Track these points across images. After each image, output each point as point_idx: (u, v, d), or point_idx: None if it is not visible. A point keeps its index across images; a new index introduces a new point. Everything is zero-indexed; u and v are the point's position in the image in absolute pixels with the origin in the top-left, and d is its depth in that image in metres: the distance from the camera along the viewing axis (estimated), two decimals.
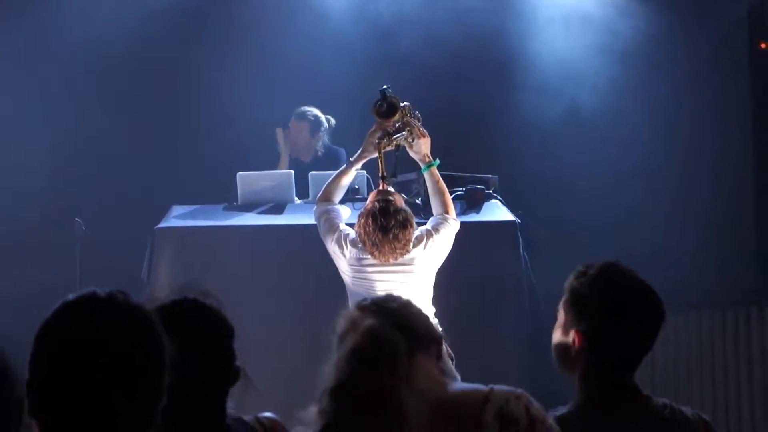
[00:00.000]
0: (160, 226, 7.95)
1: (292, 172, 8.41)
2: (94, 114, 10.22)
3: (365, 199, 7.06)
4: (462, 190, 7.86)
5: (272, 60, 10.27)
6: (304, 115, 9.46)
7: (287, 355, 7.36)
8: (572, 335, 3.31)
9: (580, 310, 3.29)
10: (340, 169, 6.80)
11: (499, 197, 8.14)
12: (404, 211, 6.30)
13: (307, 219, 7.37)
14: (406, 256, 6.35)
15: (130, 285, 7.52)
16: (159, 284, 7.53)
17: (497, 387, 3.09)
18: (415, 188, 7.64)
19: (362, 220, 6.29)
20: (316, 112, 9.49)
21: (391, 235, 6.23)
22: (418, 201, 7.33)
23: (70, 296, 2.41)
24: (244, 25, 10.35)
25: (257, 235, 7.90)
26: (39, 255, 9.86)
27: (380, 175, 6.44)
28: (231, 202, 8.32)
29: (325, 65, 10.31)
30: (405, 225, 6.26)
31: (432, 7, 10.28)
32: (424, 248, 6.39)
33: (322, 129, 9.46)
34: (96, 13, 10.17)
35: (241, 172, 8.30)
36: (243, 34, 10.29)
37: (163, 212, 8.24)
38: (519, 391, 3.09)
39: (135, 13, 10.16)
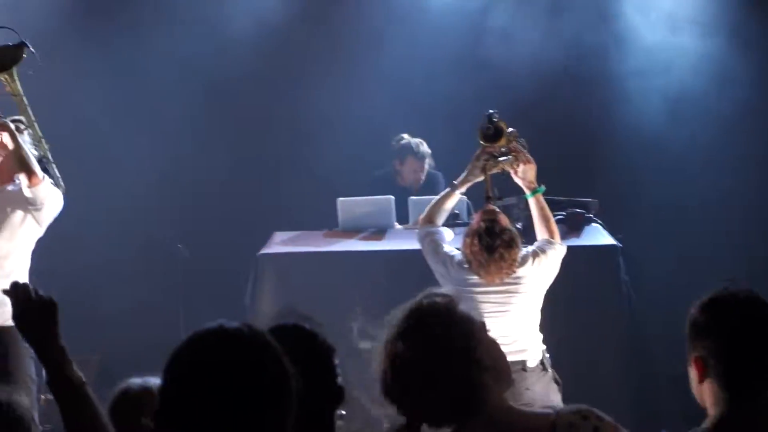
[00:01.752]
0: (262, 252, 8.01)
1: (392, 197, 8.41)
2: (199, 140, 10.36)
3: (466, 224, 7.05)
4: (562, 214, 7.83)
5: (374, 84, 10.30)
6: (424, 154, 9.36)
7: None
8: (692, 366, 3.26)
9: (694, 337, 3.25)
10: (443, 193, 6.79)
11: (599, 221, 8.10)
12: (510, 230, 6.26)
13: (408, 244, 7.38)
14: (513, 277, 6.31)
15: (234, 311, 7.66)
16: (262, 310, 7.59)
17: (564, 409, 3.07)
18: (515, 213, 7.62)
19: (468, 240, 6.27)
20: (424, 145, 9.39)
21: (496, 255, 6.19)
22: (519, 226, 7.31)
23: (200, 328, 2.46)
24: (348, 57, 10.39)
25: (359, 261, 7.93)
26: (143, 279, 10.01)
27: (486, 195, 6.43)
28: (332, 227, 8.36)
29: (423, 86, 10.31)
30: (511, 245, 6.22)
31: (531, 28, 10.25)
32: (531, 268, 6.34)
33: (429, 159, 9.42)
34: (203, 39, 10.31)
35: (341, 198, 8.34)
36: (345, 64, 10.35)
37: (266, 238, 8.31)
38: (585, 409, 3.04)
39: (241, 40, 10.27)
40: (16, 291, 3.07)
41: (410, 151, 9.34)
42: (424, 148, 9.36)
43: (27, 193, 6.38)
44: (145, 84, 10.39)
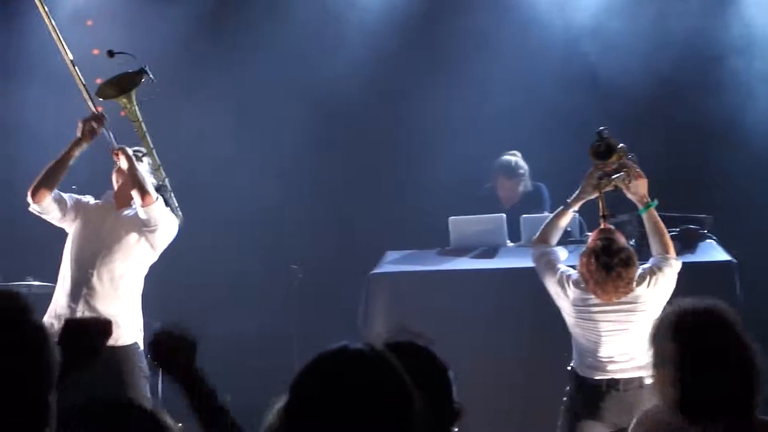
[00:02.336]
0: (374, 271, 8.04)
1: (504, 215, 8.39)
2: (311, 161, 10.44)
3: (578, 242, 7.00)
4: (676, 231, 7.74)
5: (481, 99, 10.26)
6: (515, 173, 9.29)
7: (504, 398, 7.35)
8: None
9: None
10: (557, 211, 6.76)
11: (714, 237, 7.99)
12: (627, 249, 6.22)
13: (521, 262, 7.35)
14: (630, 295, 6.26)
15: (346, 330, 7.69)
16: (374, 329, 7.61)
17: None
18: (629, 230, 7.55)
19: (584, 259, 6.24)
20: (521, 162, 9.32)
21: (614, 274, 6.15)
22: (632, 243, 7.24)
23: (324, 349, 2.50)
24: (454, 73, 10.38)
25: (471, 280, 7.90)
26: (258, 300, 10.09)
27: (601, 214, 6.40)
28: (443, 246, 8.36)
29: (526, 99, 10.26)
30: (628, 263, 6.18)
31: (638, 36, 10.15)
32: (648, 286, 6.29)
33: (526, 175, 9.34)
34: (315, 62, 10.39)
35: (452, 217, 8.33)
36: (452, 80, 10.34)
37: (378, 258, 8.33)
38: None
39: (350, 63, 10.34)
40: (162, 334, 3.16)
41: (500, 170, 9.29)
42: (516, 166, 9.27)
43: (141, 214, 6.50)
44: (259, 108, 10.50)
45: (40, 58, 9.53)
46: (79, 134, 6.54)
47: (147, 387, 6.64)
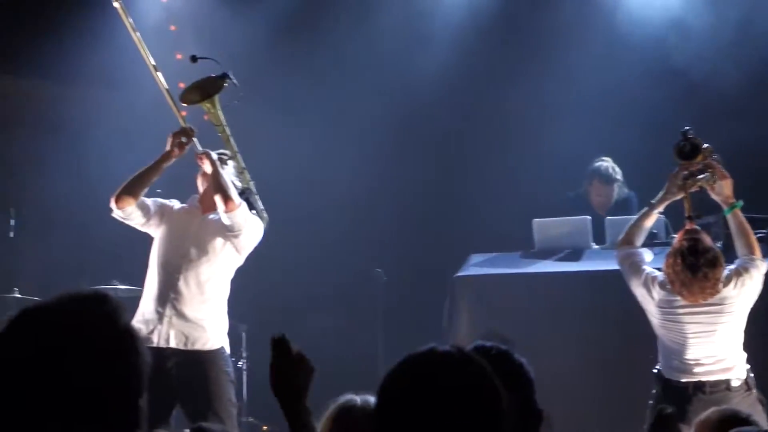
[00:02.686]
0: (459, 274, 8.03)
1: (589, 218, 8.33)
2: (395, 164, 10.45)
3: (664, 244, 6.93)
4: (763, 232, 7.63)
5: (570, 103, 10.20)
6: (612, 179, 9.19)
7: (588, 401, 7.31)
8: None
9: None
10: (642, 212, 6.70)
11: None
12: (713, 249, 6.16)
13: (606, 265, 7.29)
14: (717, 296, 6.19)
15: (431, 332, 7.70)
16: (459, 332, 7.61)
17: None
18: (714, 231, 7.47)
19: (670, 260, 6.18)
20: (617, 168, 9.23)
21: (700, 275, 6.09)
22: (719, 245, 7.15)
23: (413, 352, 2.50)
24: (541, 75, 10.30)
25: (556, 282, 7.87)
26: (342, 303, 10.13)
27: (687, 215, 6.34)
28: (528, 249, 8.33)
29: (609, 96, 10.15)
30: (714, 264, 6.11)
31: (723, 30, 10.00)
32: (734, 287, 6.22)
33: (621, 181, 9.24)
34: (399, 64, 10.40)
35: (537, 219, 8.30)
36: (540, 82, 10.27)
37: (462, 260, 8.32)
38: None
39: (435, 65, 10.32)
40: (276, 345, 3.15)
41: (597, 174, 9.18)
42: (613, 172, 9.18)
43: (225, 219, 6.53)
44: (343, 111, 10.53)
45: (124, 65, 9.64)
46: (168, 148, 6.59)
47: (233, 391, 6.68)
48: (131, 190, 6.58)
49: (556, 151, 9.87)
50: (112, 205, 6.58)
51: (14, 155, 10.68)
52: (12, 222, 9.06)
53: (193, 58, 6.66)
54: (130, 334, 2.27)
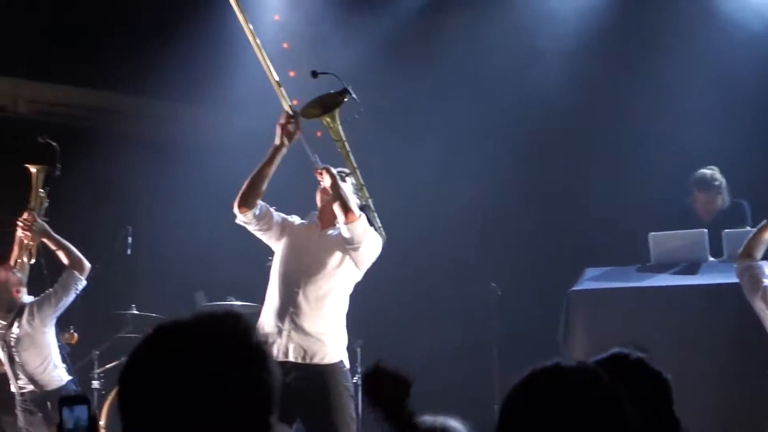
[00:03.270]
0: (574, 288, 7.97)
1: (705, 231, 8.21)
2: (509, 178, 10.39)
3: None
4: None
5: (683, 116, 10.05)
6: (710, 185, 9.04)
7: (705, 415, 7.19)
8: None
9: None
10: (761, 225, 6.59)
11: None
12: None
13: (724, 278, 7.19)
14: None
15: (547, 347, 7.62)
16: (575, 346, 7.55)
17: None
18: None
19: None
20: (717, 175, 9.07)
21: None
22: None
23: (538, 365, 2.48)
24: (654, 90, 10.16)
25: (673, 296, 7.77)
26: (457, 318, 10.10)
27: None
28: (643, 262, 8.23)
29: (727, 105, 9.95)
30: None
31: None
32: None
33: (723, 189, 9.07)
34: (517, 77, 10.35)
35: (653, 233, 8.20)
36: (653, 96, 10.15)
37: (577, 274, 8.25)
38: None
39: (545, 80, 10.26)
40: (375, 371, 3.15)
41: (696, 183, 9.04)
42: (713, 178, 9.02)
43: (344, 231, 6.54)
44: (456, 128, 10.53)
45: (239, 86, 9.75)
46: (277, 141, 6.58)
47: (352, 405, 6.69)
48: (250, 191, 6.61)
49: (671, 164, 9.73)
50: (235, 210, 6.63)
51: (132, 173, 10.86)
52: (129, 240, 9.19)
53: (314, 74, 6.66)
54: (262, 352, 2.28)
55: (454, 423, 3.56)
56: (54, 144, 8.21)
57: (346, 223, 6.50)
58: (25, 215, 7.90)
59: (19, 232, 7.89)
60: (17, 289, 7.75)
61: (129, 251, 9.20)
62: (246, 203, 6.61)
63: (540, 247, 10.35)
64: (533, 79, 10.30)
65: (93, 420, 2.68)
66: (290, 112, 6.56)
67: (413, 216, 10.03)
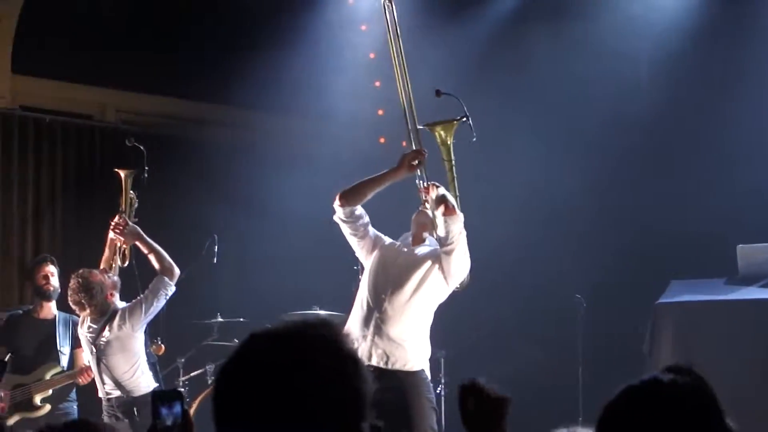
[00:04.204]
0: (661, 301, 7.90)
1: None
2: (596, 190, 10.31)
3: None
4: None
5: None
6: None
7: None
8: None
9: None
10: None
11: None
12: None
13: None
14: None
15: (632, 359, 7.54)
16: (661, 358, 7.48)
17: None
18: None
19: None
20: None
21: None
22: None
23: (634, 381, 2.45)
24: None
25: (760, 309, 7.66)
26: (540, 330, 10.05)
27: None
28: (731, 275, 8.13)
29: None
30: None
31: None
32: None
33: None
34: (613, 75, 10.24)
35: (741, 245, 8.10)
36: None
37: (664, 287, 8.18)
38: None
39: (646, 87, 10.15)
40: (472, 389, 3.12)
41: None
42: None
43: (442, 228, 6.55)
44: (543, 135, 10.47)
45: (332, 89, 9.79)
46: (398, 166, 6.67)
47: (434, 417, 6.68)
48: (354, 192, 6.71)
49: (761, 175, 9.60)
50: (336, 203, 6.70)
51: (217, 182, 10.95)
52: (215, 248, 9.27)
53: (438, 93, 6.76)
54: (354, 360, 2.28)
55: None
56: (141, 147, 8.36)
57: (445, 214, 6.52)
58: (117, 218, 8.01)
59: (112, 235, 7.99)
60: (111, 293, 7.83)
61: (215, 259, 9.28)
62: (347, 200, 6.69)
63: (626, 259, 10.25)
64: (621, 88, 10.22)
65: (186, 415, 2.72)
66: (420, 149, 6.67)
67: (498, 226, 9.99)
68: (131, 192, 8.21)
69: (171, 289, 7.84)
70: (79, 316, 8.07)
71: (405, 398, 6.50)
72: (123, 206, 8.16)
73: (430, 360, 6.84)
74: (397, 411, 6.48)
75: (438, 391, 8.73)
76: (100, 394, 7.94)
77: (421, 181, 6.75)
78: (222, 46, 10.72)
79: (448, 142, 6.69)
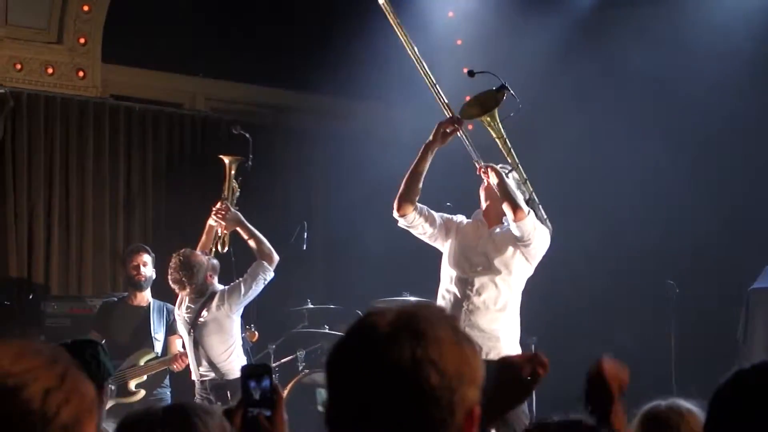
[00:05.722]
0: (755, 286, 7.79)
1: None
2: (686, 175, 10.21)
3: None
4: None
5: None
6: None
7: None
8: None
9: None
10: None
11: None
12: None
13: None
14: None
15: (725, 345, 7.44)
16: (755, 344, 7.38)
17: None
18: None
19: None
20: None
21: None
22: None
23: (744, 365, 2.42)
24: None
25: None
26: (634, 315, 9.96)
27: None
28: None
29: None
30: None
31: None
32: None
33: None
34: (705, 75, 10.11)
35: None
36: None
37: (758, 271, 8.07)
38: None
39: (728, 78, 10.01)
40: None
41: None
42: None
43: (514, 229, 6.51)
44: (632, 123, 10.37)
45: (401, 80, 9.78)
46: (431, 138, 6.56)
47: (526, 403, 6.65)
48: (407, 192, 6.61)
49: None
50: (395, 214, 6.65)
51: (306, 170, 11.00)
52: (305, 235, 9.30)
53: (471, 73, 6.66)
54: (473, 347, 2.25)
55: (684, 403, 3.55)
56: (246, 135, 8.44)
57: (515, 221, 6.47)
58: (219, 204, 8.09)
59: (212, 221, 8.08)
60: (211, 275, 7.93)
61: (305, 246, 9.30)
62: (404, 205, 6.62)
63: (720, 244, 10.12)
64: (712, 77, 10.05)
65: (275, 389, 2.71)
66: (453, 117, 6.54)
67: (588, 213, 9.93)
68: (234, 180, 8.30)
69: (270, 275, 7.93)
70: (172, 305, 8.18)
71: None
72: (225, 192, 8.26)
73: (522, 345, 6.79)
74: (491, 398, 6.44)
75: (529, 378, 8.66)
76: (194, 377, 8.02)
77: (476, 162, 6.66)
78: (309, 34, 10.74)
79: (493, 124, 6.57)
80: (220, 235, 8.13)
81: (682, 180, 10.14)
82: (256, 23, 11.03)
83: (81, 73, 10.43)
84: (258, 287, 7.89)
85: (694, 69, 10.03)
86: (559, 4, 10.60)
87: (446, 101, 6.59)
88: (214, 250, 8.11)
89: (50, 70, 10.30)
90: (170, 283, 7.94)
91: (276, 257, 7.95)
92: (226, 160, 8.40)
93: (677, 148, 10.11)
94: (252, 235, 7.96)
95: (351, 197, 10.37)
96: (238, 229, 8.03)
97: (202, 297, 7.91)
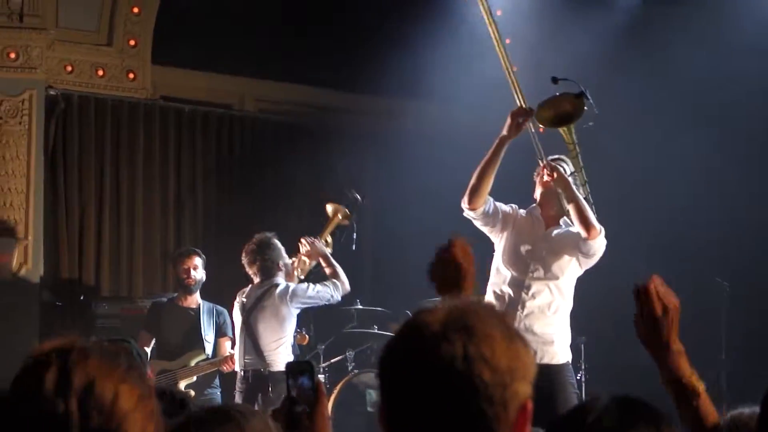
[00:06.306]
0: None
1: None
2: (736, 172, 10.12)
3: None
4: None
5: None
6: None
7: None
8: None
9: None
10: None
11: None
12: None
13: None
14: None
15: None
16: None
17: None
18: None
19: None
20: None
21: None
22: None
23: None
24: None
25: None
26: (682, 314, 9.89)
27: None
28: None
29: None
30: None
31: None
32: None
33: None
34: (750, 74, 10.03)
35: None
36: None
37: None
38: None
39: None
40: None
41: None
42: None
43: (584, 246, 6.42)
44: (680, 118, 10.30)
45: (466, 74, 9.76)
46: (505, 131, 6.45)
47: (575, 394, 6.64)
48: (479, 185, 6.49)
49: None
50: (464, 205, 6.56)
51: (354, 169, 11.00)
52: (354, 235, 9.28)
53: (554, 80, 6.54)
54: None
55: None
56: (358, 197, 8.76)
57: (588, 239, 6.39)
58: (309, 238, 8.39)
59: (302, 249, 8.38)
60: (281, 267, 8.09)
61: (354, 246, 9.30)
62: (475, 198, 6.53)
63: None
64: (757, 74, 9.98)
65: (318, 387, 2.72)
66: (525, 107, 6.45)
67: (637, 210, 9.87)
68: (330, 236, 8.75)
69: (337, 298, 8.22)
70: (222, 306, 8.27)
71: (553, 390, 6.38)
72: (322, 236, 8.59)
73: (571, 347, 6.75)
74: (545, 402, 6.39)
75: (578, 377, 8.64)
76: (237, 368, 8.05)
77: (540, 161, 6.61)
78: (359, 35, 10.73)
79: (567, 131, 6.50)
80: (303, 262, 8.40)
81: (734, 175, 10.07)
82: (306, 23, 11.03)
83: (131, 75, 10.49)
84: (320, 299, 8.11)
85: (739, 65, 9.96)
86: (604, 2, 10.53)
87: (520, 89, 6.52)
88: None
89: (100, 72, 10.37)
90: (243, 256, 8.11)
91: (348, 289, 8.27)
92: (330, 208, 8.78)
93: (727, 144, 10.03)
94: (333, 268, 8.26)
95: (400, 197, 10.36)
96: (321, 260, 8.34)
97: (266, 281, 8.02)
